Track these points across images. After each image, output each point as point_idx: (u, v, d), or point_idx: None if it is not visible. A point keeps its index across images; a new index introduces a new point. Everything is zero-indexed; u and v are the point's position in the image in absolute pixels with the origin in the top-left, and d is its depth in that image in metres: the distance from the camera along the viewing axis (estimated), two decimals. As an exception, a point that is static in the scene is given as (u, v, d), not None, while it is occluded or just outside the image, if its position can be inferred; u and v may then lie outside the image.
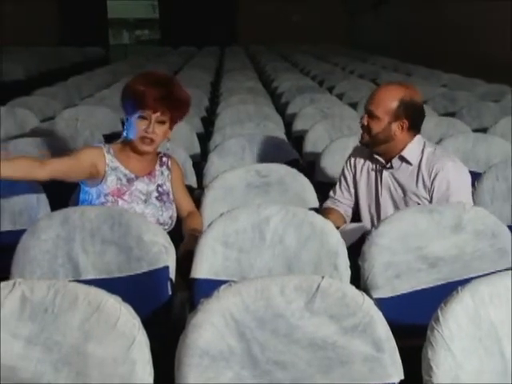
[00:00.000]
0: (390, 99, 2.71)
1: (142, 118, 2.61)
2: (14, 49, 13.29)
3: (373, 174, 2.88)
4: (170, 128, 2.70)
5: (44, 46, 14.45)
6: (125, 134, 2.69)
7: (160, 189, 2.77)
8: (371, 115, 2.73)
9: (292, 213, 2.30)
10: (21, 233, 2.30)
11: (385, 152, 2.80)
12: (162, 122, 2.64)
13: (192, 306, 2.17)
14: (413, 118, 2.72)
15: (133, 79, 2.68)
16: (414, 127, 2.76)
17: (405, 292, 2.25)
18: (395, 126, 2.72)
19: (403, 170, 2.78)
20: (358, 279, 2.26)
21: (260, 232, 2.28)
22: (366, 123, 2.75)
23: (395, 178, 2.80)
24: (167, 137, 2.71)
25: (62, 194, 2.94)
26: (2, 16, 17.29)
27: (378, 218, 2.82)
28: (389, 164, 2.81)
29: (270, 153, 3.69)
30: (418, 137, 2.79)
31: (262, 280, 1.69)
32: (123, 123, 2.76)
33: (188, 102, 2.71)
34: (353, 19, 18.19)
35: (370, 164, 2.89)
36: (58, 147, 3.70)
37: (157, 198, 2.74)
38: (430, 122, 4.37)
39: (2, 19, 17.23)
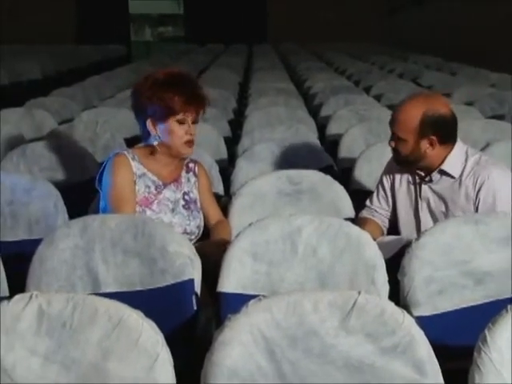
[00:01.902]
0: (411, 118, 2.65)
1: (180, 122, 2.68)
2: (31, 47, 13.49)
3: (412, 186, 2.86)
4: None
5: (61, 44, 14.62)
6: (153, 140, 2.71)
7: (186, 197, 2.78)
8: (397, 137, 2.71)
9: (326, 223, 2.29)
10: (37, 242, 2.32)
11: (421, 169, 2.77)
12: (196, 122, 2.73)
13: (218, 322, 2.17)
14: (441, 131, 2.66)
15: (152, 82, 2.69)
16: (447, 139, 2.70)
17: (448, 310, 2.23)
18: (424, 145, 2.68)
19: (444, 182, 2.75)
20: (397, 295, 2.24)
21: (291, 243, 2.27)
22: (393, 146, 2.73)
23: (436, 192, 2.78)
24: None
25: (80, 201, 2.97)
26: (18, 14, 17.54)
27: (417, 231, 2.79)
28: (428, 177, 2.79)
29: (302, 158, 3.69)
30: (458, 146, 2.74)
31: (293, 295, 1.69)
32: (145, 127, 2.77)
33: (207, 99, 2.78)
34: (392, 15, 18.13)
35: (410, 176, 2.87)
36: (77, 151, 3.75)
37: (184, 206, 2.76)
38: (476, 125, 4.33)
39: (18, 17, 17.48)
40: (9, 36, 15.71)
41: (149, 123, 2.71)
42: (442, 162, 2.72)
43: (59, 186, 3.09)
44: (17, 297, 1.68)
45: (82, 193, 3.11)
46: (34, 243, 2.34)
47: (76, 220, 2.33)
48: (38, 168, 3.63)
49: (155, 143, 2.72)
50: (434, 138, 2.66)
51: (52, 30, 17.73)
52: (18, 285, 2.23)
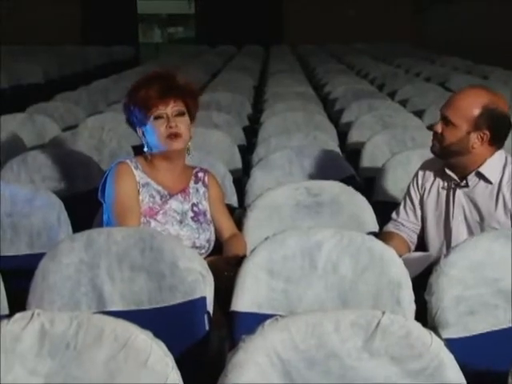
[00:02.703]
0: (472, 105, 2.67)
1: (158, 118, 2.69)
2: (33, 49, 13.58)
3: (444, 192, 2.85)
4: (192, 121, 2.77)
5: (65, 46, 14.72)
6: (146, 148, 2.74)
7: (195, 208, 2.79)
8: (447, 122, 2.71)
9: (347, 237, 2.29)
10: (39, 257, 2.33)
11: (459, 166, 2.76)
12: (181, 114, 2.72)
13: (232, 343, 2.17)
14: (496, 129, 2.68)
15: (131, 88, 2.78)
16: (497, 140, 2.71)
17: (480, 332, 2.21)
18: (474, 137, 2.69)
19: (481, 189, 2.75)
20: (425, 316, 2.23)
21: (310, 259, 2.27)
22: (439, 130, 2.73)
23: (471, 199, 2.77)
24: (190, 134, 2.77)
25: (85, 212, 2.99)
26: (19, 12, 17.68)
27: (448, 246, 2.78)
28: (464, 181, 2.78)
29: (321, 168, 3.69)
30: (499, 152, 2.75)
31: (312, 315, 1.69)
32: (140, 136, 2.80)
33: (195, 87, 2.81)
34: (418, 14, 18.12)
35: (441, 181, 2.86)
36: (81, 160, 3.76)
37: (192, 218, 2.76)
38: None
39: (19, 16, 17.62)
40: (9, 36, 15.83)
41: (138, 131, 2.75)
42: (481, 164, 2.72)
43: (62, 196, 3.10)
44: (17, 315, 1.69)
45: (86, 204, 3.11)
46: (36, 258, 2.35)
47: (80, 233, 2.34)
48: (39, 177, 3.65)
49: (145, 149, 2.75)
50: (487, 133, 2.67)
51: (55, 30, 17.85)
52: (18, 302, 2.24)
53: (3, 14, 17.30)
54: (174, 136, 2.68)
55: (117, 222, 2.64)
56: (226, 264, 2.60)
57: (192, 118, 2.78)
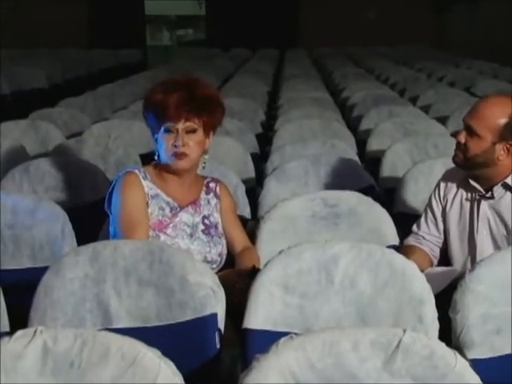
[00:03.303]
0: (497, 114, 2.66)
1: (168, 131, 2.68)
2: (35, 52, 13.66)
3: (467, 204, 2.84)
4: (207, 136, 2.75)
5: (70, 49, 14.79)
6: (157, 156, 2.75)
7: (206, 220, 2.79)
8: (471, 132, 2.71)
9: (366, 251, 2.29)
10: (42, 271, 2.34)
11: (483, 177, 2.76)
12: (193, 131, 2.69)
13: (245, 362, 2.17)
14: None
15: (151, 89, 2.76)
16: None
17: (507, 353, 2.20)
18: (500, 149, 2.68)
19: (507, 200, 2.74)
20: (449, 335, 2.23)
21: (327, 274, 2.27)
22: (463, 141, 2.72)
23: (496, 211, 2.76)
24: (204, 148, 2.76)
25: (90, 224, 3.00)
26: (21, 13, 17.78)
27: (472, 260, 2.77)
28: (489, 193, 2.77)
29: (339, 177, 3.69)
30: None
31: (329, 333, 1.69)
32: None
33: (218, 101, 2.78)
34: (441, 15, 18.10)
35: (465, 192, 2.86)
36: (86, 169, 3.78)
37: (203, 231, 2.77)
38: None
39: (21, 17, 17.72)
40: (9, 38, 15.92)
41: (153, 136, 2.76)
42: (508, 175, 2.72)
43: (66, 207, 3.11)
44: (19, 333, 1.69)
45: (92, 215, 3.13)
46: (39, 272, 2.36)
47: (85, 246, 2.35)
48: (42, 187, 3.67)
49: (156, 158, 2.76)
50: None
51: (59, 32, 17.93)
52: (19, 319, 2.25)
53: (3, 14, 17.37)
54: (180, 155, 2.68)
55: (124, 235, 2.64)
56: (237, 277, 2.60)
57: (208, 133, 2.75)
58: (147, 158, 4.21)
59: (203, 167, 2.84)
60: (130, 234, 2.63)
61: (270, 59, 13.43)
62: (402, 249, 2.87)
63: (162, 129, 2.68)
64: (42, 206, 2.95)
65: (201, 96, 2.70)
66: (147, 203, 2.71)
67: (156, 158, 2.76)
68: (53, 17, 18.36)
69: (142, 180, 2.73)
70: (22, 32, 17.21)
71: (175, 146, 2.66)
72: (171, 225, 2.72)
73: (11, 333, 1.71)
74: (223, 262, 2.80)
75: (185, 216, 2.75)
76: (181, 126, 2.67)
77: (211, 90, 2.80)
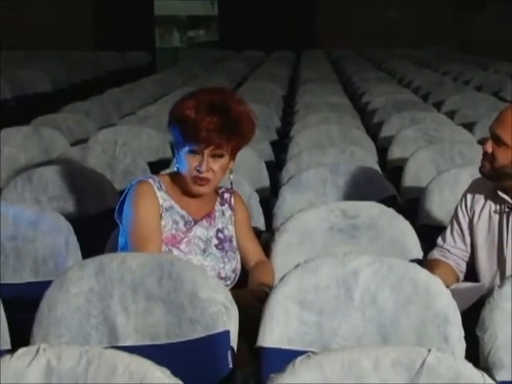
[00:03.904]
0: None
1: (193, 152, 2.65)
2: (40, 54, 13.72)
3: (496, 217, 2.84)
4: (232, 158, 2.74)
5: (75, 51, 14.86)
6: (176, 166, 2.74)
7: (220, 234, 2.79)
8: (498, 141, 2.70)
9: (387, 265, 2.29)
10: (45, 285, 2.35)
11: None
12: (219, 156, 2.67)
13: (259, 382, 2.17)
14: None
15: (183, 99, 2.73)
16: None
17: (540, 374, 2.20)
18: None
19: (538, 213, 2.74)
20: (476, 355, 2.22)
21: (346, 289, 2.27)
22: (489, 150, 2.72)
23: (527, 225, 2.76)
24: (229, 169, 2.76)
25: (96, 236, 3.00)
26: (23, 13, 17.86)
27: (502, 276, 2.76)
28: (520, 204, 2.77)
29: (358, 187, 3.69)
30: None
31: (349, 352, 1.69)
32: (173, 149, 2.82)
33: (250, 121, 2.74)
34: (468, 15, 18.07)
35: (493, 204, 2.85)
36: (92, 177, 3.79)
37: (217, 246, 2.77)
38: None
39: (23, 17, 17.80)
40: (10, 39, 16.01)
41: (175, 147, 2.75)
42: None
43: (71, 218, 3.13)
44: (21, 350, 1.70)
45: (97, 227, 3.14)
46: (41, 286, 2.37)
47: (91, 259, 2.35)
48: (46, 197, 3.68)
49: (175, 169, 2.76)
50: None
51: (63, 33, 18.01)
52: (21, 336, 2.26)
53: (3, 14, 17.44)
54: (201, 181, 2.67)
55: (135, 248, 2.64)
56: (254, 300, 2.59)
57: (235, 156, 2.74)
58: (156, 166, 4.25)
59: (231, 187, 2.86)
60: (142, 246, 2.62)
61: (285, 61, 13.45)
62: (425, 263, 2.87)
63: (187, 148, 2.65)
64: (45, 217, 2.96)
65: (234, 120, 2.65)
66: (161, 215, 2.71)
67: (175, 169, 2.75)
68: (57, 17, 18.42)
69: (157, 191, 2.72)
70: (24, 33, 17.27)
71: (198, 170, 2.64)
72: (185, 240, 2.72)
73: (12, 351, 1.72)
74: (237, 278, 2.79)
75: (199, 230, 2.75)
76: (208, 151, 2.64)
77: (245, 109, 2.72)
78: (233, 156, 2.73)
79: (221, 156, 2.67)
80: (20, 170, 4.14)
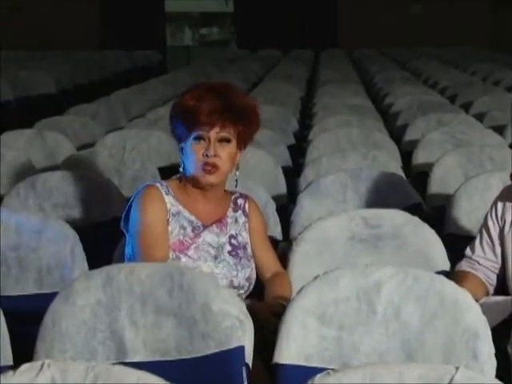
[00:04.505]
0: None
1: (199, 138, 2.69)
2: (44, 54, 13.78)
3: (529, 226, 2.83)
4: (240, 149, 2.78)
5: (81, 50, 14.92)
6: (182, 168, 2.76)
7: (233, 241, 2.80)
8: None
9: (412, 277, 2.28)
10: (49, 297, 2.36)
11: None
12: (226, 140, 2.71)
13: (275, 401, 2.17)
14: None
15: (181, 95, 2.79)
16: None
17: None
18: None
19: None
20: (508, 373, 2.21)
21: (368, 303, 2.27)
22: None
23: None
24: (235, 163, 2.77)
25: (103, 245, 3.01)
26: (26, 11, 17.94)
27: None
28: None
29: (381, 194, 3.69)
30: None
31: (371, 369, 1.68)
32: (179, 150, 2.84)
33: (255, 111, 2.79)
34: (498, 11, 18.03)
35: (525, 213, 2.84)
36: (99, 184, 3.80)
37: (230, 252, 2.77)
38: None
39: (26, 15, 17.88)
40: (13, 39, 16.09)
41: (179, 147, 2.78)
42: None
43: (77, 226, 3.14)
44: (24, 366, 1.70)
45: (105, 235, 3.15)
46: (46, 299, 2.38)
47: (98, 270, 2.36)
48: (50, 204, 3.70)
49: (181, 170, 2.78)
50: None
51: (68, 32, 18.07)
52: (24, 351, 2.27)
53: (4, 12, 17.52)
54: (209, 167, 2.69)
55: (142, 255, 2.66)
56: (270, 315, 2.59)
57: (241, 146, 2.78)
58: (167, 172, 4.25)
59: (235, 185, 2.85)
60: (149, 253, 2.64)
61: (303, 61, 13.46)
62: (453, 275, 2.85)
63: (192, 137, 2.70)
64: (49, 226, 2.97)
65: (237, 104, 2.72)
66: (168, 220, 2.72)
67: (181, 169, 2.77)
68: (61, 15, 18.48)
69: (165, 195, 2.75)
70: (25, 31, 17.35)
71: (206, 155, 2.67)
72: (193, 246, 2.73)
73: (15, 367, 1.72)
74: (252, 288, 2.80)
75: (209, 236, 2.76)
76: (214, 134, 2.69)
77: (249, 99, 2.82)
78: (239, 146, 2.76)
79: (228, 141, 2.71)
80: (23, 175, 4.15)
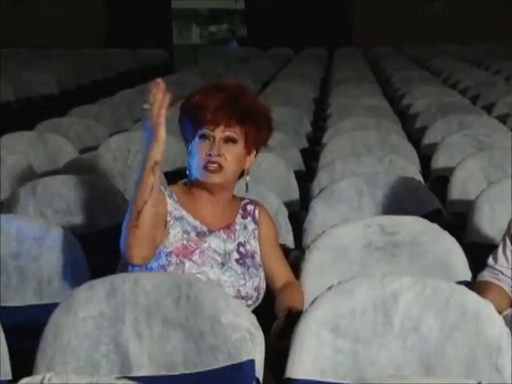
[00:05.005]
0: None
1: (203, 137, 2.71)
2: (44, 53, 13.81)
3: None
4: (248, 152, 2.78)
5: (84, 49, 14.95)
6: (188, 171, 2.77)
7: (242, 249, 2.80)
8: None
9: (431, 287, 2.28)
10: (50, 308, 2.37)
11: None
12: (232, 141, 2.72)
13: (287, 418, 2.17)
14: None
15: (190, 93, 2.82)
16: None
17: None
18: None
19: None
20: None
21: (385, 314, 2.27)
22: None
23: None
24: (244, 167, 2.78)
25: (107, 254, 3.01)
26: (26, 8, 18.00)
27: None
28: None
29: (398, 200, 3.69)
30: None
31: (389, 383, 1.68)
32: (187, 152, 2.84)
33: (266, 114, 2.80)
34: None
35: (550, 220, 2.84)
36: (102, 188, 3.81)
37: (237, 261, 2.77)
38: None
39: (26, 12, 17.94)
40: (13, 37, 16.13)
41: (188, 150, 2.78)
42: None
43: (79, 234, 3.15)
44: (24, 380, 1.71)
45: (108, 243, 3.14)
46: (46, 310, 2.39)
47: (101, 280, 2.37)
48: (51, 210, 3.70)
49: (187, 172, 2.78)
50: None
51: (71, 29, 18.11)
52: (24, 365, 2.27)
53: (4, 10, 17.57)
54: (212, 166, 2.69)
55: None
56: (280, 319, 2.59)
57: (250, 149, 2.77)
58: (173, 177, 4.24)
59: (246, 191, 2.85)
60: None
61: (316, 60, 13.44)
62: (475, 285, 2.85)
63: (197, 135, 2.71)
64: (50, 233, 2.98)
65: (245, 103, 2.73)
66: (168, 222, 2.72)
67: (187, 172, 2.78)
68: (64, 12, 18.52)
69: (167, 198, 2.75)
70: (26, 30, 17.39)
71: (209, 154, 2.68)
72: (197, 251, 2.72)
73: (14, 381, 1.73)
74: (261, 298, 2.79)
75: (214, 242, 2.76)
76: (219, 133, 2.70)
77: (260, 101, 2.81)
78: (248, 149, 2.76)
79: (234, 141, 2.72)
80: (23, 180, 4.16)
